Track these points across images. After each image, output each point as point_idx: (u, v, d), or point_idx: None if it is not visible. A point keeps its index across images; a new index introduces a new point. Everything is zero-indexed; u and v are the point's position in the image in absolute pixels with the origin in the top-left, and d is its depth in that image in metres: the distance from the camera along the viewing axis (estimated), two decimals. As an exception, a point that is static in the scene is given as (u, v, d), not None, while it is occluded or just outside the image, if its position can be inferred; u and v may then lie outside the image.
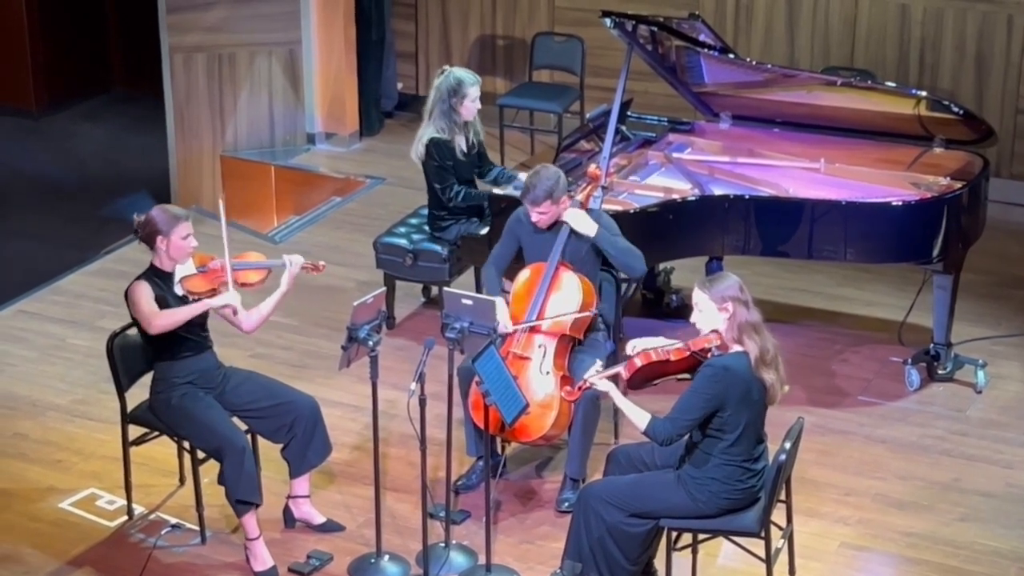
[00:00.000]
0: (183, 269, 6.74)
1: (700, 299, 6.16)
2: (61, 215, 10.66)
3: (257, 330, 7.00)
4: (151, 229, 6.66)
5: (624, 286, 7.87)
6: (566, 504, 7.17)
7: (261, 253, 7.02)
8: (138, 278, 6.73)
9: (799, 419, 6.39)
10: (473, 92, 8.35)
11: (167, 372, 6.81)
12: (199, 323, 6.81)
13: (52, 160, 11.69)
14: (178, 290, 6.72)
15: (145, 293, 6.65)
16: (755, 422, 6.16)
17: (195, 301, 6.71)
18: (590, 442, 7.22)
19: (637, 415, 6.19)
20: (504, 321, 7.11)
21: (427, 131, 8.42)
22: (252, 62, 11.07)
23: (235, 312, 6.78)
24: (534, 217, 7.28)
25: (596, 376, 6.33)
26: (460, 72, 8.38)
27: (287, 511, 7.10)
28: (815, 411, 7.93)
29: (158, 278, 6.71)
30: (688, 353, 6.22)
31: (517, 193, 8.13)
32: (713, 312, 6.13)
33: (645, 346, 6.30)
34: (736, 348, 6.11)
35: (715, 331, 6.15)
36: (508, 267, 7.52)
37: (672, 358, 6.23)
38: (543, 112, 11.09)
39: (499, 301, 7.17)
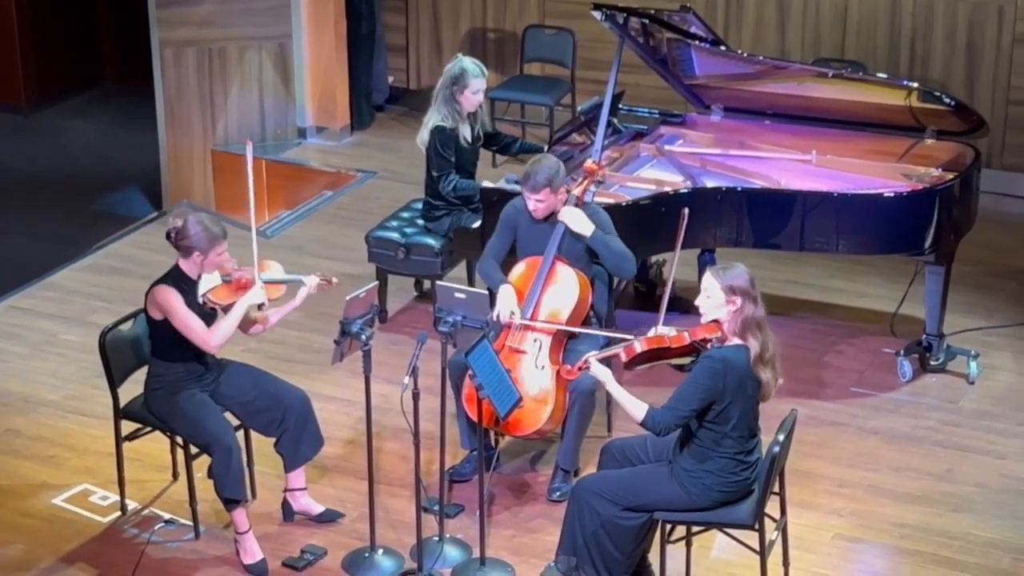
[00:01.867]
0: (208, 279, 6.73)
1: (710, 285, 6.13)
2: (52, 211, 10.64)
3: (256, 336, 7.03)
4: (189, 244, 6.65)
5: (616, 279, 7.86)
6: (557, 494, 7.18)
7: (278, 263, 6.97)
8: (163, 281, 6.70)
9: (792, 411, 6.39)
10: (476, 84, 8.33)
11: (167, 370, 6.81)
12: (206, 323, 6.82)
13: (43, 156, 11.67)
14: (200, 300, 6.72)
15: (180, 303, 6.63)
16: (748, 416, 6.16)
17: (212, 309, 6.73)
18: (583, 434, 7.22)
19: (634, 406, 6.18)
20: (512, 308, 7.09)
21: (433, 117, 8.41)
22: (242, 56, 11.06)
23: (262, 308, 6.78)
24: (531, 205, 7.27)
25: (595, 356, 6.32)
26: (467, 62, 8.36)
27: (285, 504, 7.11)
28: (808, 403, 7.94)
29: (184, 283, 6.70)
30: (688, 342, 6.21)
31: (508, 187, 8.14)
32: (720, 301, 6.10)
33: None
34: (736, 341, 6.10)
35: (716, 321, 6.14)
36: (504, 260, 7.51)
37: (672, 346, 6.23)
38: (534, 105, 11.08)
39: (506, 288, 7.17)
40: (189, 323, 6.65)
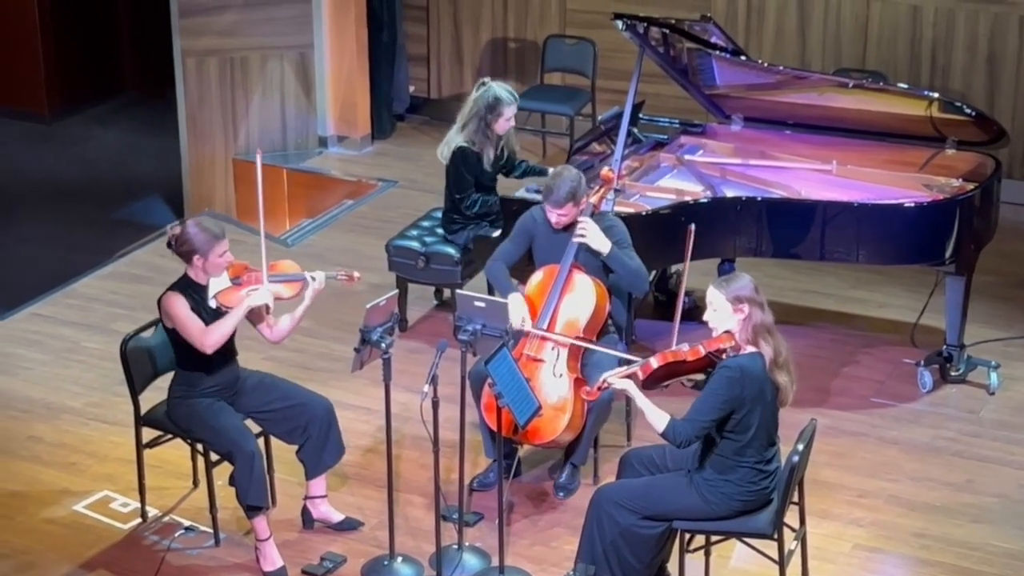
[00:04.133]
0: (217, 282, 6.75)
1: (715, 298, 6.17)
2: (73, 219, 10.68)
3: (282, 342, 7.03)
4: (188, 248, 6.68)
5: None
6: (561, 494, 7.28)
7: (294, 262, 6.98)
8: (172, 288, 6.73)
9: (812, 421, 6.39)
10: (509, 111, 8.37)
11: (193, 380, 6.82)
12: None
13: (64, 164, 11.70)
14: (212, 303, 6.73)
15: (183, 307, 6.65)
16: (767, 423, 6.16)
17: (227, 312, 6.73)
18: (597, 431, 7.25)
19: (656, 416, 6.18)
20: (523, 315, 7.10)
21: (457, 138, 8.42)
22: (264, 66, 11.09)
23: (268, 310, 6.80)
24: (554, 219, 7.28)
25: (614, 376, 6.34)
26: (499, 90, 8.36)
27: (305, 512, 7.12)
28: (828, 413, 7.93)
29: (192, 289, 6.72)
30: (703, 354, 6.22)
31: (529, 196, 8.16)
32: (727, 312, 6.14)
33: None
34: (749, 349, 6.12)
35: (728, 332, 6.16)
36: (514, 266, 7.52)
37: (688, 359, 6.24)
38: (555, 115, 11.09)
39: (516, 296, 7.18)
40: (187, 325, 6.66)
